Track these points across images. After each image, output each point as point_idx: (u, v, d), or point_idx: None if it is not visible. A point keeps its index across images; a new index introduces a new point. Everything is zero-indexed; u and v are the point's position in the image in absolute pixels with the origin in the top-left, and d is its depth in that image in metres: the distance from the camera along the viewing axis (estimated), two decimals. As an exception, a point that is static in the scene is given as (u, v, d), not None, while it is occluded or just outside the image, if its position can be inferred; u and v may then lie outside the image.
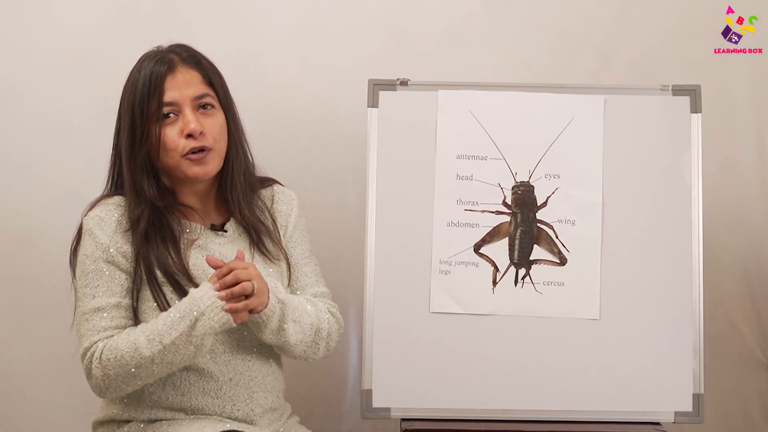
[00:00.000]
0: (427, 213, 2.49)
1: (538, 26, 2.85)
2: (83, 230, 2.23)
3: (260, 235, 2.30)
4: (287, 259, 2.34)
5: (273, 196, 2.38)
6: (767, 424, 2.90)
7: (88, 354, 2.16)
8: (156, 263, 2.18)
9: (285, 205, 2.38)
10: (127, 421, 2.23)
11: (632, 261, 2.48)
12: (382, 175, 2.49)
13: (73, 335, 2.71)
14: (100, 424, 2.27)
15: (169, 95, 2.21)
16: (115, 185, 2.28)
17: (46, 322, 2.78)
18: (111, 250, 2.19)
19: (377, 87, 2.52)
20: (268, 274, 2.26)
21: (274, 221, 2.34)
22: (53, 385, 2.79)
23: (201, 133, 2.21)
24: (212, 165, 2.24)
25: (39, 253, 2.78)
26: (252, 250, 2.29)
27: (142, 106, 2.20)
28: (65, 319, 2.73)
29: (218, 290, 2.10)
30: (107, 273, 2.18)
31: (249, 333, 2.24)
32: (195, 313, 2.09)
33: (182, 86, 2.22)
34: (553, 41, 2.85)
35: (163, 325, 2.11)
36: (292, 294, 2.30)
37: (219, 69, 2.29)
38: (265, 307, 2.15)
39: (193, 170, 2.22)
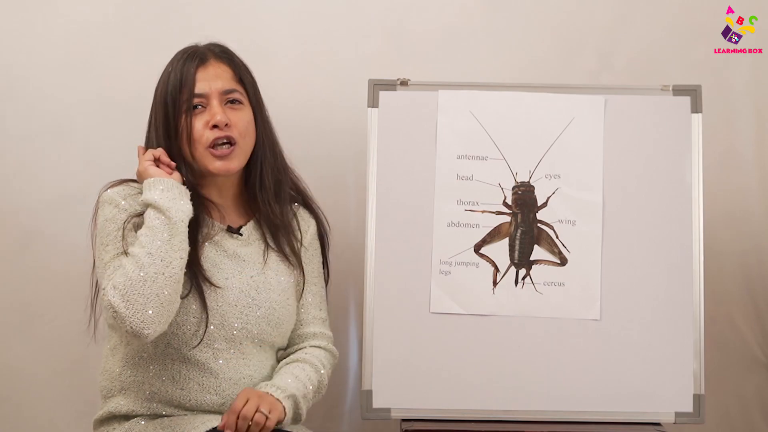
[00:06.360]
0: (428, 213, 2.49)
1: (538, 26, 2.85)
2: (101, 202, 2.23)
3: (288, 236, 2.33)
4: (303, 272, 2.36)
5: (296, 213, 2.41)
6: (767, 424, 2.89)
7: (107, 289, 2.11)
8: None
9: (304, 222, 2.41)
10: (127, 416, 2.22)
11: (633, 261, 2.48)
12: (382, 175, 2.49)
13: (74, 337, 2.72)
14: (100, 422, 2.27)
15: (199, 87, 2.26)
16: None
17: (47, 322, 2.77)
18: (132, 214, 2.19)
19: (377, 87, 2.52)
20: (286, 283, 2.30)
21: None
22: (53, 385, 2.78)
23: (226, 124, 2.25)
24: (235, 162, 2.27)
25: (39, 253, 2.77)
26: (266, 254, 2.31)
27: (175, 98, 2.25)
28: (65, 320, 2.75)
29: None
30: (129, 231, 2.17)
31: (251, 335, 2.25)
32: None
33: (212, 79, 2.27)
34: (553, 41, 2.85)
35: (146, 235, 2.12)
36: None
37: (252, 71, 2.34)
38: (283, 414, 2.17)
39: (216, 165, 2.26)
